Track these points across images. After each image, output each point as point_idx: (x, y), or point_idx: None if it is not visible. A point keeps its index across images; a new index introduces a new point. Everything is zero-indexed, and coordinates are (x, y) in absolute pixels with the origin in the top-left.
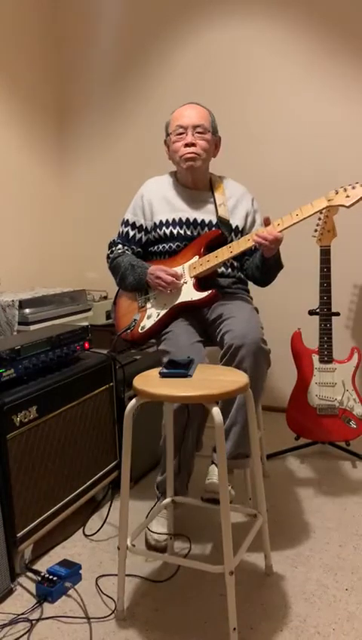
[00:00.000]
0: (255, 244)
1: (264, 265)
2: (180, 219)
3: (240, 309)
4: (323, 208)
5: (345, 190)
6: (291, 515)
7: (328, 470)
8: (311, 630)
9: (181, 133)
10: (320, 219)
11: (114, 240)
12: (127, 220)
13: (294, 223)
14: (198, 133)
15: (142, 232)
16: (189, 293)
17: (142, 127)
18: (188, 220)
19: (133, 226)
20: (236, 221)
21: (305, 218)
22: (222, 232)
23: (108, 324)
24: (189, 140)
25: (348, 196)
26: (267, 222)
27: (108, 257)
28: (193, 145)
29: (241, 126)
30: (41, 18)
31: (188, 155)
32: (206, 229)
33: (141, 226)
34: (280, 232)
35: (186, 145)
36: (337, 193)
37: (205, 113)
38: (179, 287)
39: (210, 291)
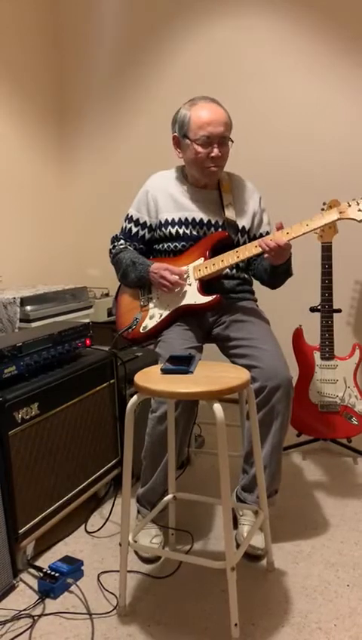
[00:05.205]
0: (262, 250)
1: (273, 271)
2: (186, 218)
3: (263, 336)
4: (335, 220)
5: (358, 204)
6: (292, 512)
7: (329, 467)
8: (312, 626)
9: (207, 144)
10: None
11: (116, 235)
12: (131, 217)
13: (303, 233)
14: (223, 144)
15: (146, 230)
16: (193, 296)
17: (143, 125)
18: (194, 219)
19: (137, 222)
20: (243, 222)
21: (315, 229)
22: (229, 234)
23: (109, 321)
24: (216, 153)
25: (360, 210)
26: (279, 227)
27: (110, 252)
28: (219, 158)
29: (243, 122)
30: (41, 16)
31: (214, 169)
32: (212, 229)
33: (145, 223)
34: (289, 240)
35: (213, 158)
36: (350, 206)
37: (228, 119)
38: (183, 288)
39: (214, 296)
